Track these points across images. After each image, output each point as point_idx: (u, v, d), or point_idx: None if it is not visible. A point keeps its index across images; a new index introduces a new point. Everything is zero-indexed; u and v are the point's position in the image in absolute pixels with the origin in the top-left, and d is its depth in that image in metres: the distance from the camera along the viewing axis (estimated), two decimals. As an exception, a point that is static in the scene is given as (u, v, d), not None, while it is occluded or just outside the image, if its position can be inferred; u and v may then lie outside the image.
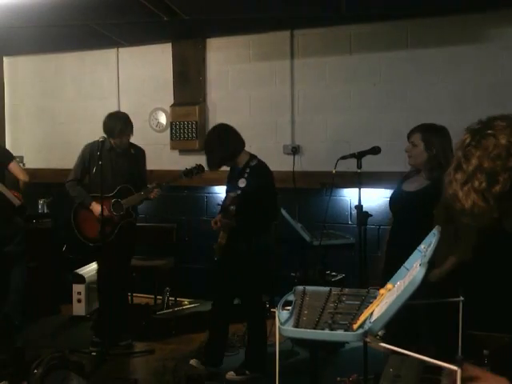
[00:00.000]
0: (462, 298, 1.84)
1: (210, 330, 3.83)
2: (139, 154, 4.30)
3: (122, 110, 5.27)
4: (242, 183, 3.50)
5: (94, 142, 4.16)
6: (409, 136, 3.10)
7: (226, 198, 3.78)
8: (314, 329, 1.85)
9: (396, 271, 1.95)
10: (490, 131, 1.28)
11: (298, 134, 4.99)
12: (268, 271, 3.76)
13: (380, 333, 3.15)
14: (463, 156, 1.31)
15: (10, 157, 4.47)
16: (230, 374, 3.62)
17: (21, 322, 4.44)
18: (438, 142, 2.95)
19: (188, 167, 4.09)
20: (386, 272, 3.10)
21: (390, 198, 3.23)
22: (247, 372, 3.62)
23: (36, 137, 5.88)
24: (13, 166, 4.43)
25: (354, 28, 4.71)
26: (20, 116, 6.01)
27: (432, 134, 2.99)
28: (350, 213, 4.79)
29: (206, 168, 4.02)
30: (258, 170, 3.59)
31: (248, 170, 3.54)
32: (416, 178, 3.09)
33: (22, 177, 4.38)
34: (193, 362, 3.70)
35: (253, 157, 3.66)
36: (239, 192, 3.46)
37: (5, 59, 6.02)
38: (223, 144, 3.58)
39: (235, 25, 4.82)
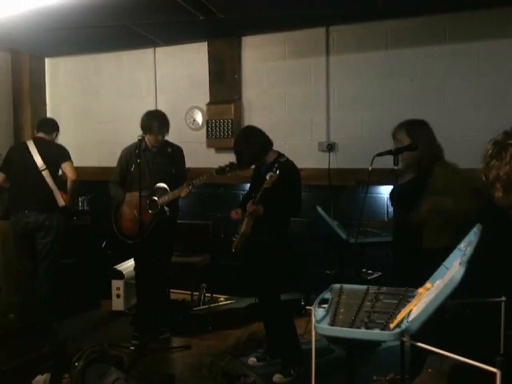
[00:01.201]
0: (504, 298, 1.81)
1: (265, 326, 3.86)
2: (177, 152, 4.34)
3: (159, 108, 5.34)
4: (269, 176, 3.53)
5: (131, 144, 4.26)
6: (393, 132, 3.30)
7: (247, 192, 3.90)
8: (350, 327, 1.85)
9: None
10: (510, 141, 1.30)
11: (334, 131, 4.96)
12: (285, 266, 3.74)
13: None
14: (486, 167, 1.34)
15: (65, 156, 4.59)
16: (278, 377, 3.59)
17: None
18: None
19: (221, 165, 4.11)
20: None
21: (389, 193, 3.44)
22: (292, 372, 3.61)
23: (76, 136, 6.02)
24: (65, 166, 4.55)
25: (391, 23, 4.65)
26: (61, 115, 6.15)
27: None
28: (387, 210, 4.74)
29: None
30: (286, 165, 3.62)
31: (277, 165, 3.58)
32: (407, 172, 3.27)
33: (71, 175, 4.50)
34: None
35: (281, 155, 3.71)
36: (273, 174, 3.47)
37: (46, 60, 6.18)
38: (251, 144, 3.65)
39: (270, 23, 4.82)
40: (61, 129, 5.84)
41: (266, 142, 3.71)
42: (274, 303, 3.70)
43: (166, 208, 4.13)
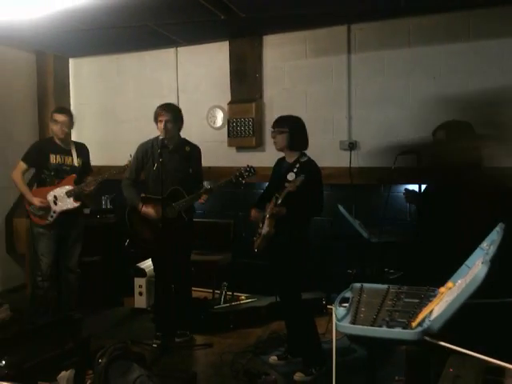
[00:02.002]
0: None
1: (286, 324, 3.87)
2: (194, 152, 4.27)
3: (181, 108, 5.38)
4: (290, 177, 3.53)
5: (147, 140, 4.25)
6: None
7: (265, 192, 3.88)
8: (372, 326, 1.84)
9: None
10: None
11: (355, 129, 4.94)
12: (305, 266, 3.73)
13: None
14: None
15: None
16: (299, 376, 3.60)
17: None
18: None
19: (238, 171, 4.06)
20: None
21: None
22: (313, 371, 3.61)
23: (99, 135, 6.11)
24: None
25: (413, 20, 4.61)
26: (84, 115, 6.25)
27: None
28: (409, 209, 4.70)
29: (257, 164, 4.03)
30: (308, 165, 3.61)
31: (298, 165, 3.58)
32: None
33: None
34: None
35: (303, 154, 3.70)
36: (287, 185, 3.47)
37: (70, 61, 6.28)
38: (302, 132, 3.69)
39: (291, 21, 4.82)
40: (84, 128, 5.94)
41: (306, 141, 3.74)
42: (296, 302, 3.70)
43: (183, 213, 4.09)
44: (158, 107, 4.16)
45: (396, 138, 4.66)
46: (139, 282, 5.07)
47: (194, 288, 5.01)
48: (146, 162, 4.21)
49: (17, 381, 1.20)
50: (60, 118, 4.39)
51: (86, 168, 4.58)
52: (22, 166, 4.44)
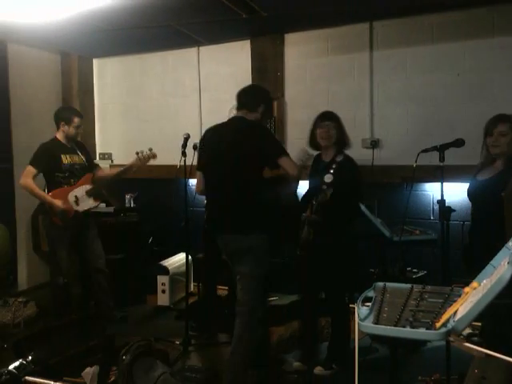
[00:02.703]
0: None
1: (303, 325, 3.89)
2: None
3: (203, 107, 5.44)
4: (328, 179, 3.44)
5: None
6: (495, 125, 3.03)
7: (307, 192, 3.82)
8: (395, 326, 1.83)
9: (480, 261, 1.90)
10: None
11: (378, 127, 4.91)
12: (352, 267, 3.71)
13: (464, 332, 3.05)
14: None
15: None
16: (319, 369, 3.62)
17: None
18: None
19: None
20: (470, 263, 3.05)
21: (467, 189, 3.24)
22: (334, 366, 3.62)
23: (123, 134, 6.17)
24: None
25: (437, 17, 4.56)
26: (108, 115, 6.33)
27: None
28: (432, 208, 4.66)
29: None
30: (347, 165, 3.54)
31: (334, 166, 3.48)
32: (490, 168, 3.13)
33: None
34: (297, 365, 3.71)
35: (340, 151, 3.63)
36: (325, 188, 3.44)
37: (94, 61, 6.36)
38: (343, 129, 3.72)
39: (313, 19, 4.81)
40: (108, 127, 6.00)
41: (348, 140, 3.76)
42: (340, 302, 3.71)
43: None
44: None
45: (418, 136, 4.62)
46: (162, 279, 5.11)
47: (219, 286, 5.03)
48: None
49: (43, 376, 1.22)
50: (79, 121, 4.44)
51: (91, 164, 4.61)
52: (32, 170, 4.29)
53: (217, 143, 3.31)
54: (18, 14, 4.35)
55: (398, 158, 4.71)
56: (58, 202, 4.24)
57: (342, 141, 3.67)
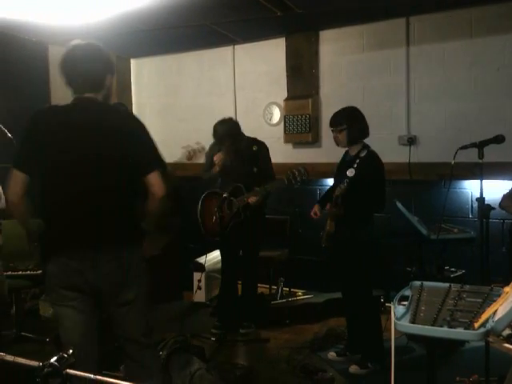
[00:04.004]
0: None
1: (347, 320, 3.87)
2: (261, 151, 4.31)
3: (238, 105, 5.47)
4: (350, 173, 3.48)
5: None
6: None
7: (332, 185, 3.83)
8: (432, 325, 1.82)
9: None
10: None
11: (414, 123, 4.84)
12: (373, 263, 3.68)
13: (504, 333, 2.99)
14: None
15: None
16: (354, 368, 3.61)
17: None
18: None
19: (290, 172, 3.99)
20: None
21: None
22: (369, 365, 3.61)
23: (160, 133, 6.20)
24: None
25: (475, 10, 4.46)
26: (145, 114, 6.42)
27: None
28: (471, 206, 4.57)
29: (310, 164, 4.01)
30: (367, 161, 3.53)
31: (358, 161, 3.51)
32: None
33: None
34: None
35: (365, 146, 3.61)
36: (346, 182, 3.44)
37: (132, 61, 6.47)
38: (354, 123, 3.58)
39: (348, 15, 4.77)
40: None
41: (366, 129, 3.63)
42: (365, 298, 3.68)
43: (241, 211, 4.16)
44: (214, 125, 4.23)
45: (457, 132, 4.54)
46: (198, 276, 5.16)
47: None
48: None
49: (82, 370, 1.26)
50: None
51: None
52: None
53: (65, 134, 2.33)
54: (58, 16, 4.47)
55: (435, 155, 4.63)
56: None
57: (355, 137, 3.59)
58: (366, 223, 3.61)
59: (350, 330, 3.86)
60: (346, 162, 3.66)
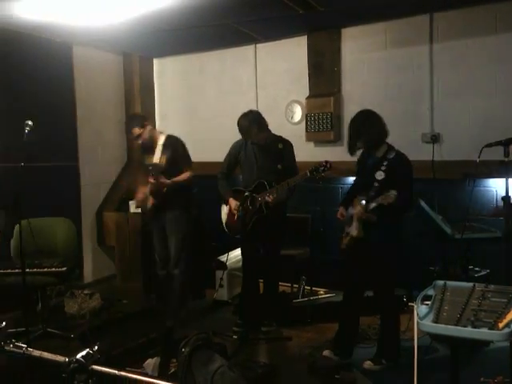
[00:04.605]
0: None
1: (340, 320, 3.83)
2: (287, 148, 4.31)
3: (260, 104, 5.47)
4: (379, 176, 3.41)
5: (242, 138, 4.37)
6: None
7: (354, 186, 3.78)
8: (456, 325, 1.80)
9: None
10: None
11: (438, 121, 4.79)
12: (401, 263, 3.65)
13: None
14: None
15: None
16: (368, 364, 3.63)
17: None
18: None
19: (314, 166, 3.97)
20: None
21: None
22: (383, 361, 3.61)
23: (182, 132, 6.24)
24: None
25: (500, 6, 4.39)
26: (168, 113, 6.49)
27: None
28: (496, 205, 4.49)
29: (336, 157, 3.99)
30: (397, 162, 3.47)
31: (386, 163, 3.44)
32: None
33: None
34: (326, 352, 3.75)
35: (391, 148, 3.54)
36: (376, 185, 3.40)
37: (155, 61, 6.53)
38: (370, 127, 3.49)
39: (371, 13, 4.74)
40: (168, 125, 6.14)
41: (385, 131, 3.55)
42: (390, 298, 3.67)
43: (264, 207, 4.15)
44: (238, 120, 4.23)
45: (481, 130, 4.47)
46: (220, 274, 5.20)
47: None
48: (239, 159, 4.35)
49: (107, 366, 1.28)
50: (135, 131, 4.50)
51: (173, 164, 4.50)
52: None
53: None
54: (82, 18, 4.54)
55: (459, 153, 4.57)
56: (137, 193, 4.67)
57: (374, 142, 3.51)
58: (397, 226, 3.58)
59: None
60: (370, 164, 3.58)
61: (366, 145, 3.54)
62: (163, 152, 4.48)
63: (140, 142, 4.54)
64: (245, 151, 4.31)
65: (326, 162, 3.91)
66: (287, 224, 4.54)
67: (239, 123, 4.21)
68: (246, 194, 4.21)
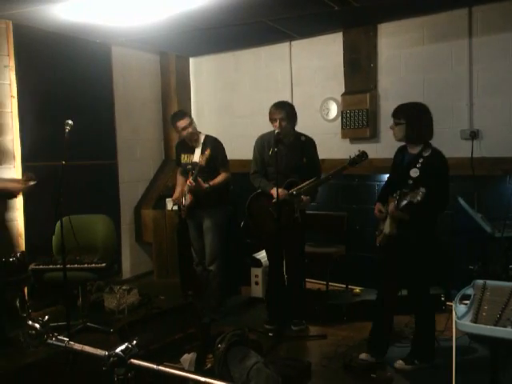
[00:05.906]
0: None
1: (373, 319, 3.80)
2: (308, 143, 4.32)
3: (295, 101, 5.45)
4: (414, 173, 3.36)
5: (264, 134, 4.39)
6: None
7: (389, 183, 3.73)
8: (495, 325, 1.77)
9: None
10: None
11: (477, 117, 4.69)
12: (437, 262, 3.59)
13: None
14: None
15: None
16: (399, 363, 3.59)
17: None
18: None
19: (352, 155, 4.00)
20: None
21: None
22: (416, 362, 3.56)
23: (218, 130, 6.33)
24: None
25: (544, -3, 4.27)
26: (204, 111, 6.55)
27: None
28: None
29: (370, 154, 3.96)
30: (432, 160, 3.40)
31: (421, 160, 3.38)
32: None
33: None
34: (363, 355, 3.69)
35: (427, 145, 3.47)
36: (410, 182, 3.35)
37: (190, 60, 6.60)
38: (423, 120, 3.44)
39: (408, 8, 4.68)
40: (204, 123, 6.20)
41: (427, 131, 3.47)
42: (425, 297, 3.62)
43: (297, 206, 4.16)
44: (271, 106, 4.24)
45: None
46: (255, 271, 5.23)
47: (308, 280, 5.06)
48: (264, 155, 4.34)
49: (145, 360, 1.31)
50: (183, 123, 4.56)
51: (211, 163, 4.50)
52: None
53: None
54: (120, 19, 4.63)
55: (499, 150, 4.47)
56: (173, 196, 4.84)
57: (411, 137, 3.43)
58: (431, 225, 3.52)
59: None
60: (405, 161, 3.52)
61: (410, 135, 3.44)
62: (203, 151, 4.49)
63: (184, 133, 4.59)
64: (269, 148, 4.27)
65: (363, 151, 3.97)
66: (306, 222, 4.44)
67: (287, 105, 4.23)
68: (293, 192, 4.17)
